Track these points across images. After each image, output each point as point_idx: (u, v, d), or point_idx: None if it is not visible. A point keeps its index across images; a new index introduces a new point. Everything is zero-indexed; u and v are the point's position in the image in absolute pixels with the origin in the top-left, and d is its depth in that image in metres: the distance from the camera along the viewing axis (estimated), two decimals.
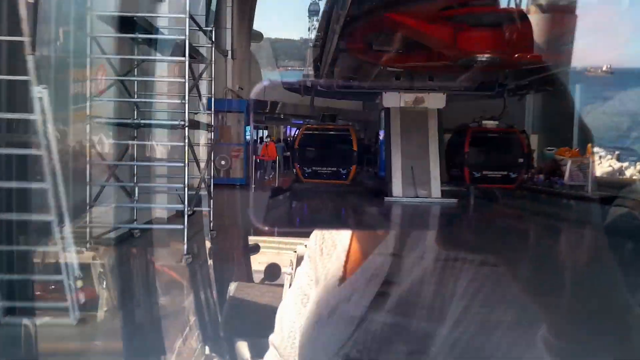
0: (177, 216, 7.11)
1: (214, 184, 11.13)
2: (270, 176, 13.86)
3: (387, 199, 12.89)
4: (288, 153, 24.19)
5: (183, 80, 8.74)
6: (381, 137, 15.29)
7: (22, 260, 4.46)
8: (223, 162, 11.12)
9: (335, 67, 16.21)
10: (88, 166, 6.86)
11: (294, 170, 16.33)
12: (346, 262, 1.14)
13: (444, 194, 13.67)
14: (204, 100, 10.91)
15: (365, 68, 15.49)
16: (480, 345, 0.87)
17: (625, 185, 14.93)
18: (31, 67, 4.49)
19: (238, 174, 11.18)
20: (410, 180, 13.71)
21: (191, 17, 8.82)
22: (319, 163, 15.85)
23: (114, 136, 8.18)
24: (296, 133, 17.08)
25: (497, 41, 12.14)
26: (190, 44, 8.80)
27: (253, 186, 11.29)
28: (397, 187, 13.59)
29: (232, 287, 4.42)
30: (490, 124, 14.82)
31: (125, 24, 8.23)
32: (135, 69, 9.06)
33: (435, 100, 14.28)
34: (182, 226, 6.50)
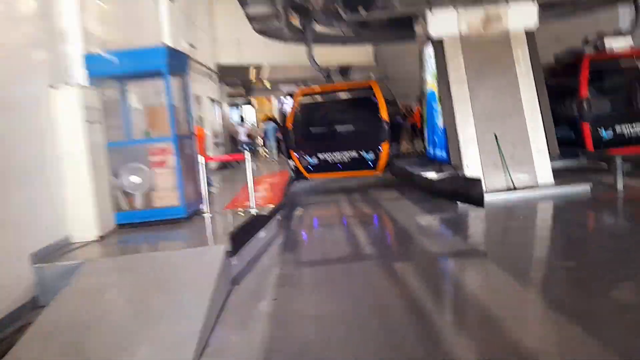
0: None
1: (117, 226, 5.87)
2: (212, 189, 8.38)
3: (461, 204, 7.47)
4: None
5: None
6: (429, 91, 9.76)
7: None
8: (135, 181, 5.93)
9: None
10: None
11: (291, 163, 10.93)
12: None
13: (557, 176, 8.25)
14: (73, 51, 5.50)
15: None
16: None
17: None
18: None
19: (169, 199, 6.04)
20: (495, 159, 8.27)
21: None
22: (328, 147, 10.49)
23: None
24: (286, 105, 11.56)
25: None
26: None
27: (208, 215, 6.20)
28: (473, 173, 8.17)
29: None
30: (619, 43, 9.14)
31: None
32: None
33: (520, 16, 8.71)
34: None
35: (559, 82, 9.46)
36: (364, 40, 12.89)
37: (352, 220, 7.50)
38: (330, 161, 10.52)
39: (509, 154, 8.29)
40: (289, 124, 10.72)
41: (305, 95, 10.79)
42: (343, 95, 10.56)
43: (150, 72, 6.45)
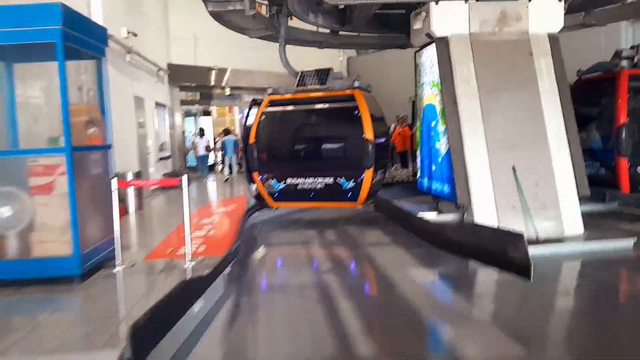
0: None
1: None
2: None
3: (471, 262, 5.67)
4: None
5: None
6: (426, 105, 8.05)
7: None
8: (2, 214, 3.88)
9: None
10: None
11: (253, 187, 8.97)
12: None
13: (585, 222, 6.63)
14: None
15: None
16: None
17: None
18: None
19: (56, 245, 4.08)
20: (513, 199, 6.59)
21: None
22: (298, 170, 8.60)
23: None
24: (250, 114, 9.61)
25: None
26: None
27: (119, 270, 4.24)
28: (484, 216, 6.45)
29: None
30: None
31: None
32: None
33: (543, 16, 7.21)
34: None
35: (582, 104, 7.88)
36: (340, 43, 11.09)
37: (330, 279, 5.51)
38: (299, 188, 8.61)
39: (530, 193, 6.60)
40: (252, 138, 8.77)
41: (272, 103, 8.87)
42: (319, 106, 8.71)
43: (43, 48, 4.40)
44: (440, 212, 7.41)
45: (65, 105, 4.34)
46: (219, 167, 18.42)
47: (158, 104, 13.61)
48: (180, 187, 5.12)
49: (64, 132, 4.26)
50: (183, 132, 18.79)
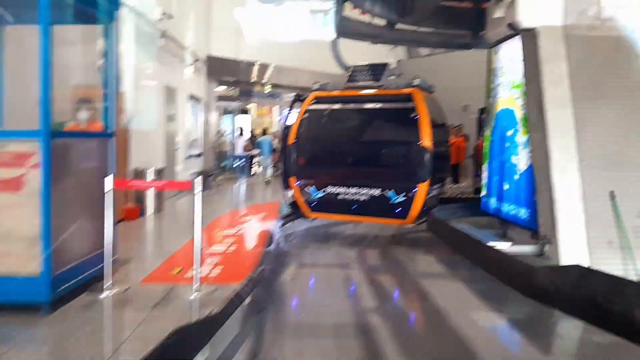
0: None
1: None
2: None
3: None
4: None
5: None
6: (500, 111, 6.93)
7: None
8: None
9: None
10: None
11: (289, 193, 8.03)
12: None
13: None
14: None
15: None
16: None
17: None
18: None
19: (20, 261, 3.31)
20: (610, 233, 5.39)
21: None
22: (341, 178, 7.60)
23: None
24: (291, 111, 8.67)
25: None
26: None
27: (107, 296, 3.40)
28: (572, 252, 5.25)
29: None
30: None
31: None
32: None
33: None
34: None
35: None
36: (395, 38, 9.94)
37: (376, 322, 4.40)
38: (341, 198, 7.64)
39: (632, 226, 5.36)
40: (291, 139, 7.85)
41: (318, 100, 7.92)
42: (371, 106, 7.71)
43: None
44: (512, 241, 6.23)
45: (46, 76, 3.46)
46: (254, 168, 17.96)
47: (192, 97, 12.90)
48: (198, 189, 4.17)
49: (41, 112, 3.37)
50: (220, 131, 18.13)
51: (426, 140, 7.10)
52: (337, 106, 7.89)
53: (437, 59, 16.03)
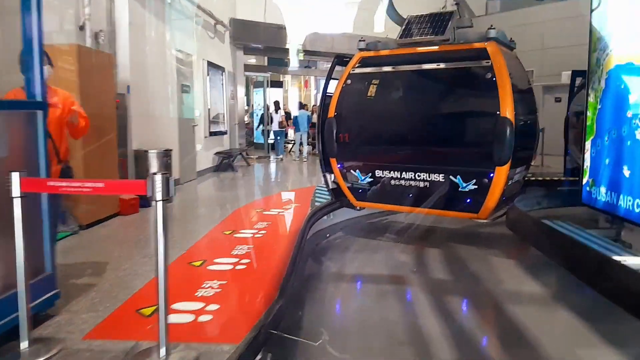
0: None
1: None
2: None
3: None
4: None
5: None
6: (612, 72, 5.21)
7: None
8: None
9: None
10: None
11: (330, 178, 6.57)
12: None
13: None
14: None
15: None
16: None
17: None
18: None
19: None
20: None
21: None
22: (394, 160, 6.12)
23: None
24: (331, 77, 6.99)
25: None
26: None
27: None
28: None
29: None
30: None
31: None
32: None
33: None
34: None
35: None
36: None
37: None
38: (393, 184, 6.17)
39: None
40: (331, 111, 6.39)
41: (364, 62, 6.43)
42: (432, 67, 6.13)
43: None
44: (630, 247, 4.62)
45: None
46: (290, 145, 17.63)
47: (213, 66, 11.53)
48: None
49: None
50: (250, 106, 16.96)
51: (507, 109, 5.47)
52: (388, 69, 6.34)
53: (516, 15, 13.97)
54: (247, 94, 17.91)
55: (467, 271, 5.04)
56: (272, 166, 14.10)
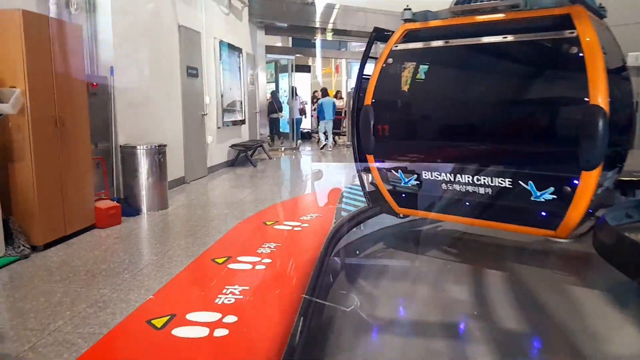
0: None
1: None
2: None
3: None
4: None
5: None
6: None
7: None
8: None
9: None
10: None
11: (367, 178, 5.37)
12: None
13: None
14: None
15: None
16: None
17: None
18: None
19: None
20: None
21: None
22: (447, 159, 4.78)
23: None
24: (368, 56, 5.61)
25: None
26: None
27: None
28: None
29: None
30: None
31: None
32: None
33: None
34: None
35: None
36: None
37: None
38: (446, 189, 4.94)
39: None
40: (369, 98, 5.14)
41: (410, 37, 5.17)
42: (496, 40, 4.80)
43: None
44: None
45: None
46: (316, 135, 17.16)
47: (228, 47, 10.36)
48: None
49: None
50: (274, 92, 15.87)
51: (599, 95, 4.13)
52: (440, 44, 5.04)
53: None
54: (276, 80, 16.95)
55: (545, 314, 3.75)
56: (293, 160, 12.94)
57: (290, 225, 5.12)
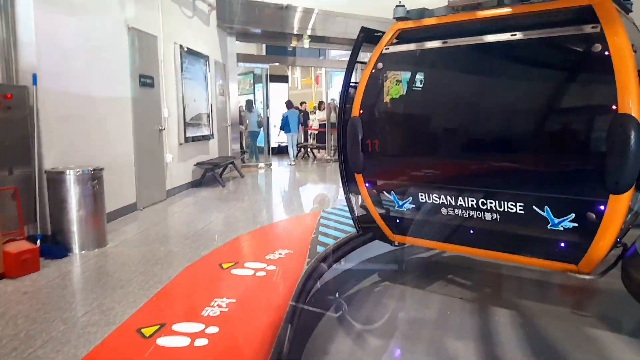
0: None
1: None
2: None
3: None
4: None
5: None
6: None
7: None
8: None
9: None
10: None
11: (356, 201, 4.66)
12: None
13: None
14: None
15: None
16: None
17: None
18: None
19: None
20: None
21: None
22: (447, 178, 4.05)
23: None
24: (355, 61, 4.74)
25: None
26: None
27: None
28: None
29: None
30: None
31: None
32: None
33: None
34: None
35: None
36: None
37: None
38: (445, 214, 4.16)
39: None
40: (356, 108, 4.33)
41: (404, 37, 4.41)
42: (505, 38, 4.03)
43: None
44: None
45: None
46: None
47: (191, 53, 9.47)
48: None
49: None
50: (248, 103, 15.10)
51: (629, 100, 3.38)
52: (437, 44, 4.26)
53: None
54: (254, 91, 16.28)
55: None
56: (259, 180, 11.98)
57: (253, 269, 4.21)
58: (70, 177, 4.89)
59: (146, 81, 7.45)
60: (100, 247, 5.19)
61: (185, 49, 9.16)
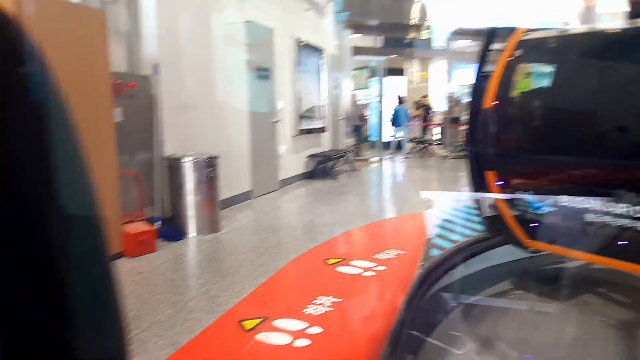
0: None
1: None
2: None
3: None
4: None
5: None
6: None
7: None
8: None
9: None
10: None
11: (485, 201, 4.17)
12: None
13: None
14: None
15: None
16: None
17: None
18: None
19: None
20: None
21: None
22: (593, 180, 3.54)
23: None
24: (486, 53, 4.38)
25: None
26: None
27: None
28: None
29: None
30: None
31: None
32: None
33: None
34: None
35: None
36: None
37: None
38: (589, 221, 3.68)
39: None
40: (489, 100, 4.01)
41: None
42: None
43: None
44: None
45: None
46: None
47: (307, 47, 9.50)
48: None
49: None
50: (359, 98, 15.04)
51: None
52: (583, 30, 3.81)
53: None
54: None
55: None
56: (385, 170, 11.87)
57: (360, 268, 4.03)
58: (188, 164, 5.08)
59: (262, 73, 7.57)
60: (213, 232, 5.33)
61: (301, 42, 9.22)
